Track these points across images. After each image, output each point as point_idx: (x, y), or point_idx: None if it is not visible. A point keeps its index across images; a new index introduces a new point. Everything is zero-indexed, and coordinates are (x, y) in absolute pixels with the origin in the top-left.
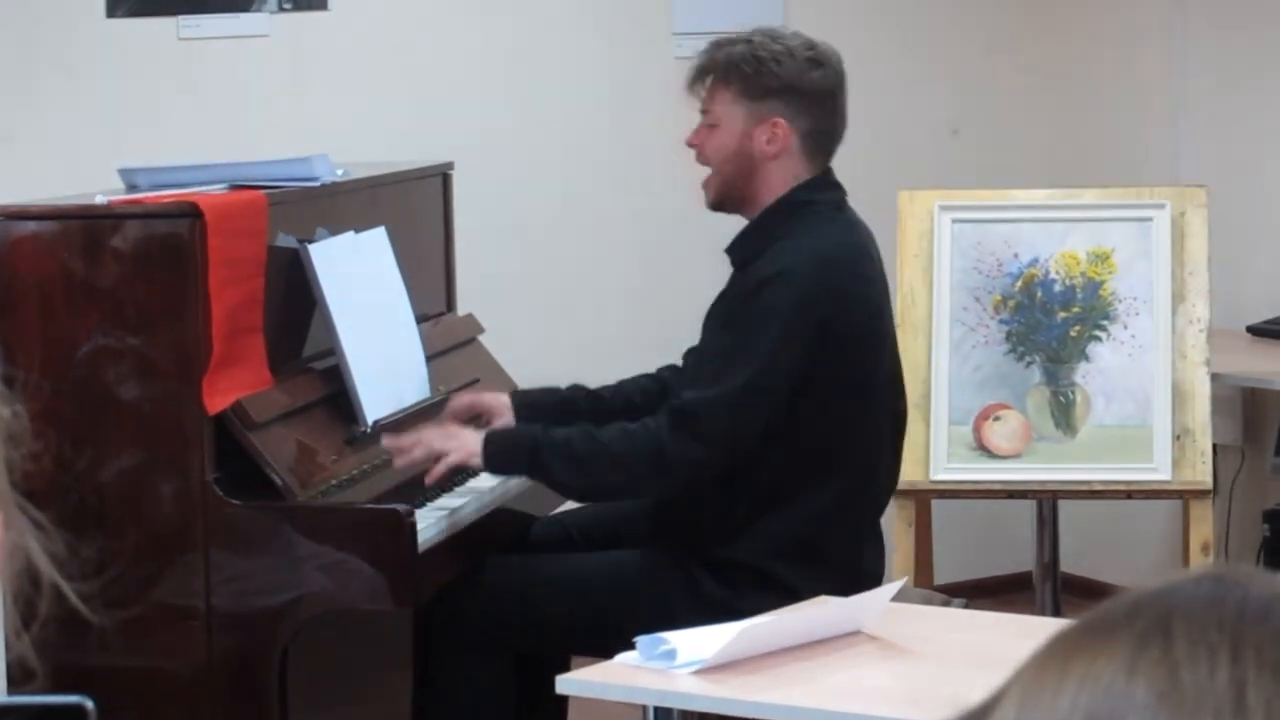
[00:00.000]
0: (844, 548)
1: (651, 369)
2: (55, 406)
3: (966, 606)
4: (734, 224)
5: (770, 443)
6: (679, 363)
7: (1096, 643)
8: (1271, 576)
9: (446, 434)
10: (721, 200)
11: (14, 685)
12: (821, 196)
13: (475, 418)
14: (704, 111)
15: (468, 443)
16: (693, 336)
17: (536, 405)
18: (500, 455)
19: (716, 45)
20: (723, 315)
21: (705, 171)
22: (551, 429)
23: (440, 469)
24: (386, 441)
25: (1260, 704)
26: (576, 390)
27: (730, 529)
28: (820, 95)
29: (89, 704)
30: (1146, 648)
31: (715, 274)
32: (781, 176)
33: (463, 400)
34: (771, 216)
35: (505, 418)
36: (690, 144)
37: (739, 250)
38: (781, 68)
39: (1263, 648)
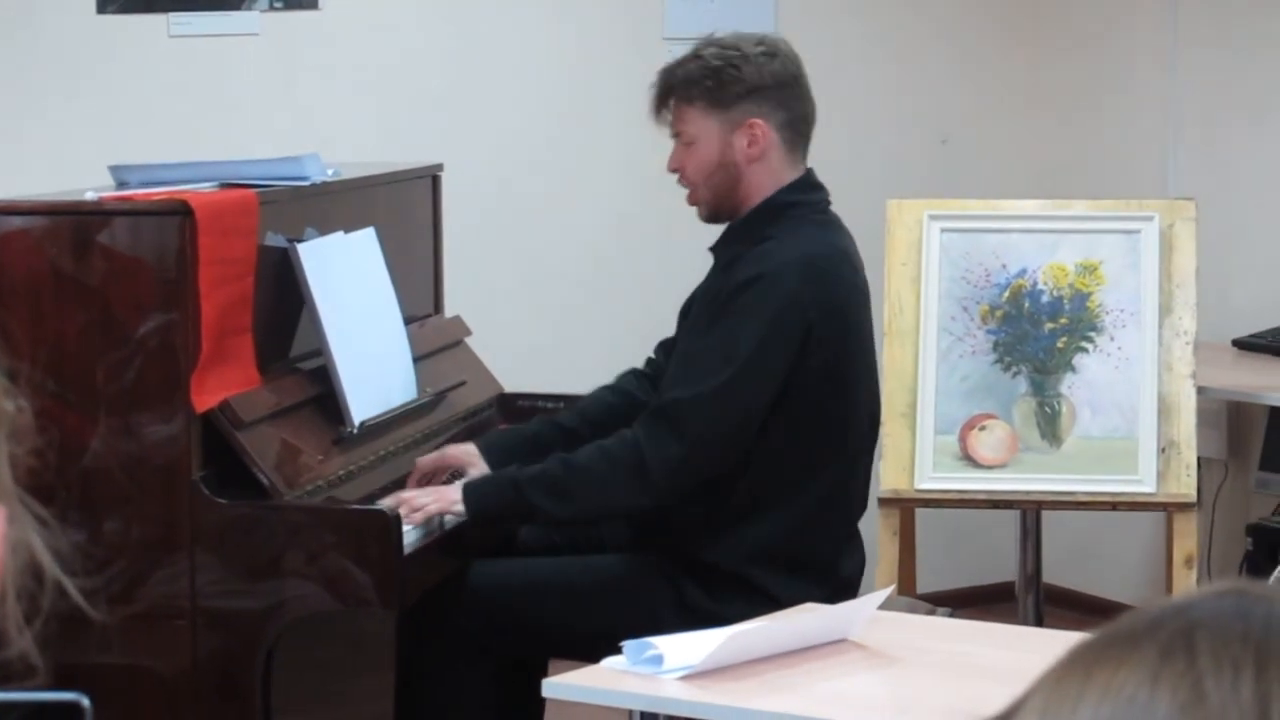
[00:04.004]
0: (824, 554)
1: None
2: (47, 403)
3: (951, 616)
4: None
5: (752, 448)
6: (643, 365)
7: (1119, 654)
8: None
9: (424, 490)
10: (716, 212)
11: (13, 681)
12: (806, 198)
13: (449, 473)
14: (676, 134)
15: (446, 494)
16: None
17: (505, 448)
18: (481, 502)
19: (668, 70)
20: (704, 315)
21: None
22: (526, 466)
23: (419, 518)
24: None
25: None
26: (542, 425)
27: (712, 535)
28: (785, 84)
29: (85, 701)
30: (1170, 660)
31: (702, 276)
32: (767, 177)
33: (429, 459)
34: (757, 218)
35: (477, 467)
36: (672, 169)
37: (724, 249)
38: (740, 71)
39: None
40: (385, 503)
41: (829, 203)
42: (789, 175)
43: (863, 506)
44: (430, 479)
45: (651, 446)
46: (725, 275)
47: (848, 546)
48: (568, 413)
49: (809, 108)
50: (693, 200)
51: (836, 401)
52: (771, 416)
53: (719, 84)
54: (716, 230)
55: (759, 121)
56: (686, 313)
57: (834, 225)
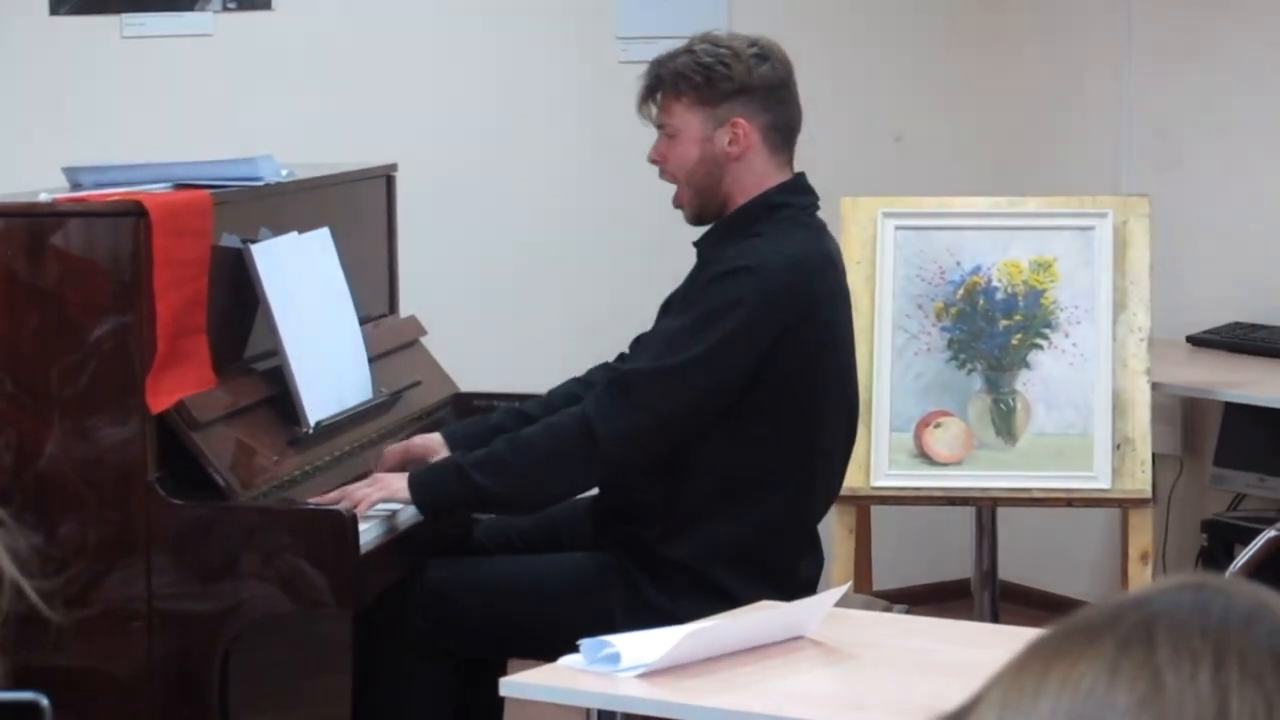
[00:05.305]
0: (784, 556)
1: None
2: (2, 405)
3: (907, 613)
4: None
5: (718, 446)
6: (613, 360)
7: (1078, 647)
8: (1253, 586)
9: (368, 481)
10: (700, 212)
11: None
12: (796, 199)
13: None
14: (660, 126)
15: (389, 481)
16: (635, 333)
17: (470, 438)
18: (426, 488)
19: (659, 61)
20: (681, 301)
21: (673, 189)
22: (472, 451)
23: (363, 508)
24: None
25: (1244, 713)
26: (506, 415)
27: (672, 532)
28: (773, 89)
29: (44, 701)
30: (1129, 653)
31: (659, 275)
32: (751, 177)
33: (394, 450)
34: (745, 215)
35: (441, 455)
36: (653, 160)
37: (709, 245)
38: (730, 69)
39: (1246, 656)
40: (330, 497)
41: (818, 207)
42: (775, 177)
43: (825, 512)
44: (396, 470)
45: (601, 415)
46: (708, 268)
47: (808, 550)
48: (533, 402)
49: (795, 114)
50: (678, 202)
51: (811, 403)
52: (744, 414)
53: (708, 80)
54: (679, 228)
55: (742, 121)
56: (667, 308)
57: (820, 230)
